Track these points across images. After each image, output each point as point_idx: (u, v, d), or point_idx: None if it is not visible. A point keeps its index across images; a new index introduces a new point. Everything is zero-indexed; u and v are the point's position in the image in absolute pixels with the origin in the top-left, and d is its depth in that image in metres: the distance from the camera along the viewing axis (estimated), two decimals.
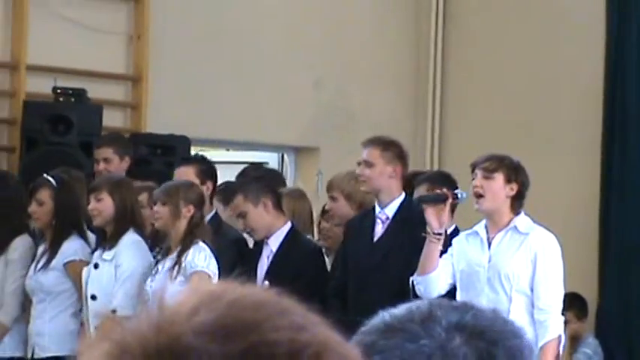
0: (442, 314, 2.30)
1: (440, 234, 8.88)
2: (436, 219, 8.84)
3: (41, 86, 12.01)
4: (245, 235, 10.64)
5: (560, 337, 8.63)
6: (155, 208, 9.74)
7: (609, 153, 12.99)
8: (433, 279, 8.90)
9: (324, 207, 11.24)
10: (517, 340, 2.30)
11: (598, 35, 13.06)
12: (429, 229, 8.87)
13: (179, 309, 1.41)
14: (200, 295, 1.42)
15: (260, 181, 10.78)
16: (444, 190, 9.21)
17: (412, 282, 9.07)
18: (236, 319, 1.39)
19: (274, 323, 1.39)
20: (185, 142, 12.03)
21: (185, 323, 1.39)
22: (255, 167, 12.00)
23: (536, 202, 9.79)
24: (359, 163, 9.83)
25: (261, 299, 1.43)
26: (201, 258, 9.52)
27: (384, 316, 2.35)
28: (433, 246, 8.90)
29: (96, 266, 9.84)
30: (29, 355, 10.09)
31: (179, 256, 9.54)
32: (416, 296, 8.95)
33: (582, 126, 13.05)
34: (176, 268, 9.45)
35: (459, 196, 9.14)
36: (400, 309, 2.35)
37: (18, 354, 10.21)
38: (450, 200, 8.95)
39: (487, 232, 9.01)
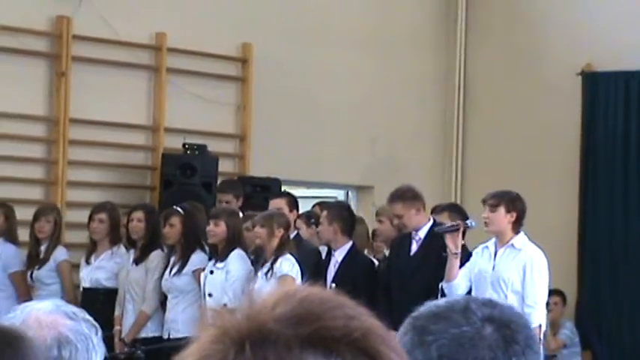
0: (476, 308, 2.32)
1: (456, 253, 9.02)
2: (453, 243, 9.00)
3: (174, 143, 11.98)
4: (320, 248, 10.63)
5: (541, 325, 8.73)
6: (256, 229, 9.86)
7: (585, 183, 12.90)
8: (455, 285, 9.03)
9: (374, 230, 11.41)
10: (530, 329, 2.33)
11: (575, 103, 12.96)
12: (448, 250, 9.00)
13: (264, 303, 1.39)
14: (280, 294, 1.40)
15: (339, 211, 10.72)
16: (458, 221, 9.35)
17: (441, 287, 9.16)
18: (305, 310, 1.36)
19: (332, 314, 1.36)
20: (277, 182, 11.98)
21: (268, 314, 1.36)
22: (330, 202, 11.80)
23: (532, 220, 9.70)
24: (395, 216, 9.99)
25: (323, 296, 1.40)
26: (288, 265, 9.66)
27: (431, 306, 2.37)
28: (453, 262, 9.02)
29: (211, 272, 9.97)
30: (165, 336, 10.23)
31: (272, 264, 9.67)
32: (443, 296, 8.87)
33: (565, 163, 12.96)
34: (269, 273, 9.60)
35: (469, 224, 9.25)
36: (442, 302, 2.40)
37: (157, 334, 10.31)
38: (461, 229, 9.07)
39: (495, 247, 9.13)
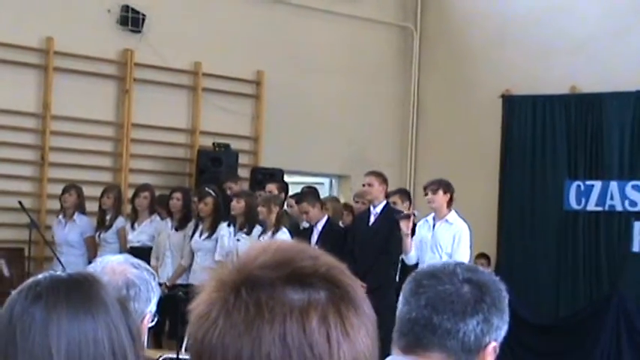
0: (460, 272, 2.25)
1: (408, 234, 8.93)
2: (405, 226, 8.91)
3: (207, 142, 11.96)
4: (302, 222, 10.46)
5: None
6: (259, 209, 9.81)
7: (502, 176, 12.78)
8: (411, 256, 8.99)
9: (351, 207, 11.29)
10: (499, 292, 2.28)
11: (498, 118, 12.84)
12: (402, 232, 8.90)
13: (248, 256, 1.29)
14: (258, 248, 1.30)
15: (313, 194, 10.80)
16: (409, 211, 9.35)
17: (401, 257, 9.18)
18: (280, 257, 1.27)
19: (301, 256, 1.27)
20: (280, 172, 11.85)
21: (253, 264, 1.27)
22: (309, 187, 11.66)
23: (466, 203, 9.95)
24: (363, 185, 9.91)
25: (291, 246, 1.31)
26: (285, 236, 9.48)
27: (430, 266, 2.33)
28: (407, 240, 8.94)
29: (238, 240, 9.88)
30: (193, 283, 9.95)
31: (273, 234, 9.58)
32: (404, 264, 9.19)
33: (490, 161, 12.80)
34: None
35: (415, 214, 9.23)
36: (439, 263, 2.35)
37: (186, 282, 10.12)
38: (412, 217, 9.06)
39: (434, 220, 9.16)
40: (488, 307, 2.21)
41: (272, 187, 10.78)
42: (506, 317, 2.28)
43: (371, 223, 9.75)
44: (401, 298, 2.25)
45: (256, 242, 9.07)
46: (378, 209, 9.74)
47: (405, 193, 10.52)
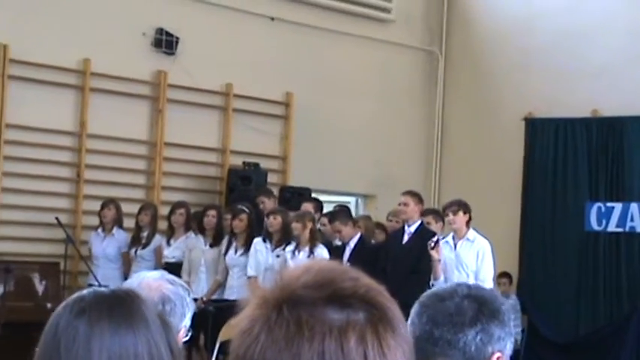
0: (460, 290, 2.30)
1: (439, 260, 8.90)
2: (435, 253, 8.91)
3: (237, 161, 11.94)
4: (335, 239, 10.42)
5: None
6: (293, 225, 9.81)
7: (525, 196, 12.72)
8: (440, 282, 8.62)
9: (377, 222, 11.33)
10: (496, 304, 2.30)
11: (521, 140, 12.88)
12: (432, 259, 8.88)
13: (292, 276, 1.29)
14: (301, 268, 1.30)
15: (345, 213, 10.80)
16: (436, 238, 9.12)
17: (431, 284, 8.77)
18: (322, 278, 1.27)
19: (342, 278, 1.28)
20: (308, 190, 11.84)
21: (295, 283, 1.27)
22: (341, 205, 11.63)
23: (489, 223, 10.01)
24: (399, 204, 9.79)
25: (333, 266, 1.31)
26: (325, 252, 9.55)
27: (434, 289, 2.39)
28: (437, 266, 8.90)
29: (278, 255, 9.82)
30: (228, 297, 10.00)
31: (311, 249, 9.53)
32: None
33: (512, 182, 12.78)
34: (311, 256, 9.38)
35: (441, 239, 9.15)
36: (442, 287, 2.40)
37: (221, 297, 10.13)
38: (440, 244, 8.98)
39: (454, 239, 9.16)
40: (486, 318, 2.24)
41: (308, 206, 10.80)
42: (510, 330, 2.31)
43: (404, 241, 9.70)
44: (409, 321, 2.27)
45: (298, 260, 9.14)
46: (412, 228, 9.69)
47: (438, 214, 10.30)
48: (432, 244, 8.96)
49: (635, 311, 11.57)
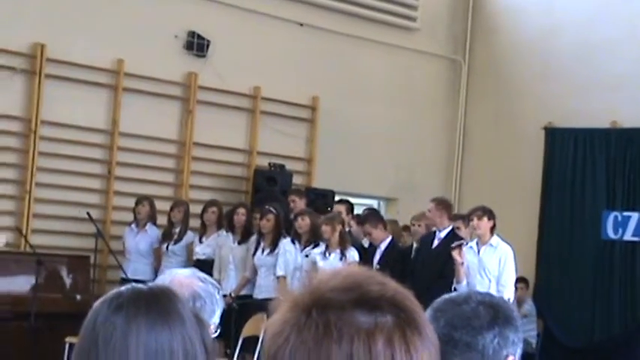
0: (474, 296, 2.34)
1: (462, 262, 8.84)
2: (458, 256, 8.86)
3: (263, 162, 11.98)
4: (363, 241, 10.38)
5: (509, 299, 8.44)
6: (322, 228, 9.65)
7: (544, 204, 12.72)
8: (463, 286, 8.72)
9: (404, 226, 11.25)
10: (510, 310, 2.34)
11: (540, 148, 12.84)
12: (455, 262, 8.81)
13: (321, 280, 1.30)
14: (329, 273, 1.31)
15: (375, 215, 10.66)
16: (460, 241, 9.06)
17: (454, 287, 8.78)
18: (350, 282, 1.28)
19: (369, 282, 1.28)
20: (332, 193, 11.86)
21: (324, 287, 1.28)
22: (370, 208, 11.39)
23: (509, 230, 9.86)
24: (429, 210, 9.69)
25: (360, 271, 1.31)
26: (356, 255, 9.53)
27: (447, 295, 2.39)
28: (460, 269, 8.86)
29: (306, 255, 9.75)
30: (255, 295, 9.99)
31: (342, 253, 9.47)
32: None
33: (531, 189, 12.75)
34: (343, 258, 9.40)
35: (466, 242, 9.09)
36: (455, 293, 2.43)
37: (249, 293, 10.10)
38: (463, 247, 8.93)
39: (477, 245, 9.08)
40: (502, 322, 2.28)
41: (340, 208, 10.79)
42: (521, 335, 2.34)
43: (434, 246, 9.62)
44: None
45: (329, 262, 9.05)
46: (443, 234, 9.61)
47: (467, 220, 10.33)
48: (455, 246, 8.93)
49: None
